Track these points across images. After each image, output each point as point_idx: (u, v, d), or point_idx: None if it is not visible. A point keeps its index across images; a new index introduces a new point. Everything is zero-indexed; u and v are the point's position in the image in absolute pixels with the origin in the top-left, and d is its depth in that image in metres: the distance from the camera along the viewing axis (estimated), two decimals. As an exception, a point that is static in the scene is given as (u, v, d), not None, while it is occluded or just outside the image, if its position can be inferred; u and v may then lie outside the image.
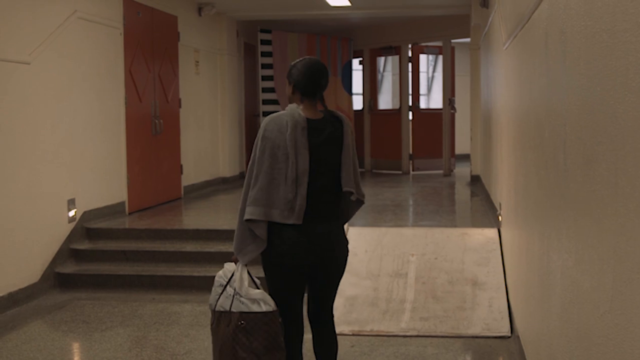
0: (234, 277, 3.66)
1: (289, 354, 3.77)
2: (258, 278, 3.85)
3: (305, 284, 3.80)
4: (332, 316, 3.96)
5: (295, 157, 3.58)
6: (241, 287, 3.61)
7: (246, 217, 3.57)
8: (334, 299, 3.95)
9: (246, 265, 3.66)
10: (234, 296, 3.62)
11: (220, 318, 3.68)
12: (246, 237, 3.62)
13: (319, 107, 3.76)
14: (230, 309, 3.62)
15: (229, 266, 3.74)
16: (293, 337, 3.80)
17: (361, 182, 3.86)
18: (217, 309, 3.69)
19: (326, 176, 3.70)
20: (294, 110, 3.64)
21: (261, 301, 3.58)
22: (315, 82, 3.72)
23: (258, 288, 3.73)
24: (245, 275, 3.65)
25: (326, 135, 3.69)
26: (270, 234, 3.62)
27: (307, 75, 3.73)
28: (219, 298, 3.69)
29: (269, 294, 3.68)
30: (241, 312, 3.58)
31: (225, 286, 3.68)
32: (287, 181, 3.57)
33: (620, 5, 2.01)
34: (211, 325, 3.77)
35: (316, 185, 3.64)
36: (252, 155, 3.69)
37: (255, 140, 3.68)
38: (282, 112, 3.68)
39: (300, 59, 3.82)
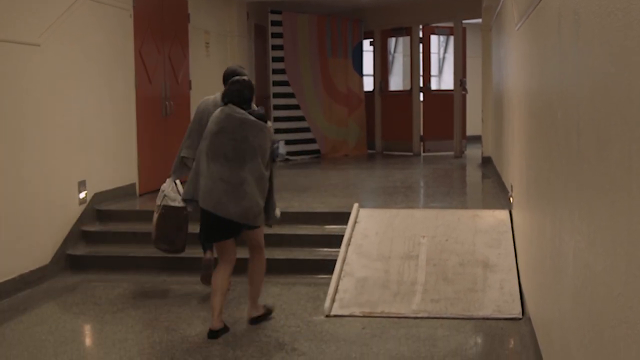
0: (166, 184, 6.09)
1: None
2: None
3: None
4: None
5: None
6: (169, 190, 6.04)
7: (182, 154, 5.97)
8: None
9: (175, 181, 6.09)
10: (164, 196, 6.05)
11: (156, 209, 6.10)
12: (179, 166, 6.00)
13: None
14: (160, 202, 6.06)
15: (168, 180, 6.09)
16: None
17: None
18: (157, 203, 6.11)
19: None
20: (217, 96, 5.76)
21: (176, 200, 5.88)
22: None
23: (179, 194, 5.81)
24: (173, 185, 6.06)
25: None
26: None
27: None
28: (162, 197, 6.06)
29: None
30: (164, 205, 6.04)
31: (164, 191, 6.08)
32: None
33: (636, -17, 1.97)
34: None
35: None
36: (192, 121, 6.11)
37: (195, 112, 6.07)
38: (210, 96, 6.03)
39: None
